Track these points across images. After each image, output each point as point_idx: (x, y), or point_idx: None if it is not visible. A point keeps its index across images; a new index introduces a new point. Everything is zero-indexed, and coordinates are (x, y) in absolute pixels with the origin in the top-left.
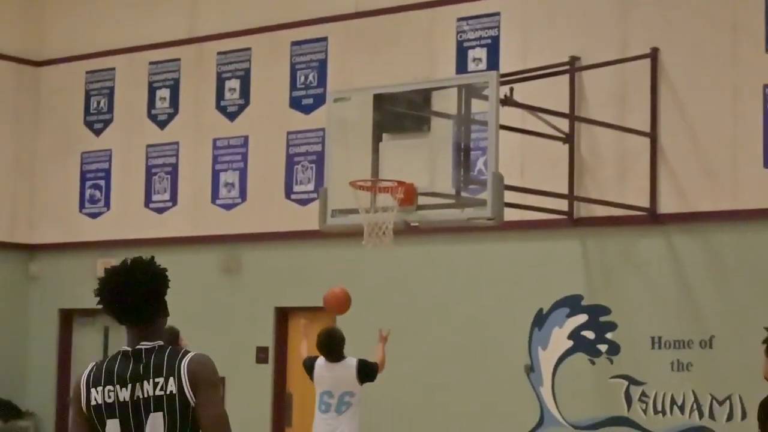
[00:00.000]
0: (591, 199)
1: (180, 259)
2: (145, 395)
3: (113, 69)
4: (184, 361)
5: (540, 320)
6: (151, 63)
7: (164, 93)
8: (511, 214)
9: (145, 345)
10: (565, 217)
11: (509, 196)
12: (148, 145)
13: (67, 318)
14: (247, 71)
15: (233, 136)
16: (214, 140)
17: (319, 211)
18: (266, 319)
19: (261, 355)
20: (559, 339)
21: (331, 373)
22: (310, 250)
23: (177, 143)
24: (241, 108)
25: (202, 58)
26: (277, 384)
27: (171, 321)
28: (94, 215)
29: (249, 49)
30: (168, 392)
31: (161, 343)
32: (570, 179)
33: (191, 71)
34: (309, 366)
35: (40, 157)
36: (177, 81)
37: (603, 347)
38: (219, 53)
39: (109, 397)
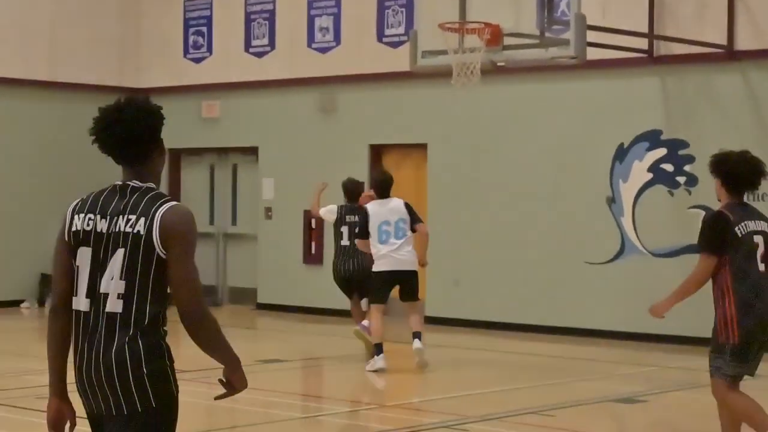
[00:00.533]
0: (670, 37)
1: (279, 100)
2: (117, 229)
3: None
4: (162, 207)
5: (621, 154)
6: None
7: None
8: (592, 53)
9: (135, 183)
10: (645, 55)
11: (591, 36)
12: None
13: (176, 158)
14: None
15: None
16: None
17: (410, 53)
18: (361, 155)
19: None
20: (639, 172)
21: (386, 207)
22: (401, 90)
23: None
24: None
25: None
26: None
27: (273, 159)
28: (197, 60)
29: None
30: (135, 231)
31: (152, 185)
32: (650, 18)
33: None
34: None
35: (145, 3)
36: None
37: (681, 179)
38: None
39: (88, 225)
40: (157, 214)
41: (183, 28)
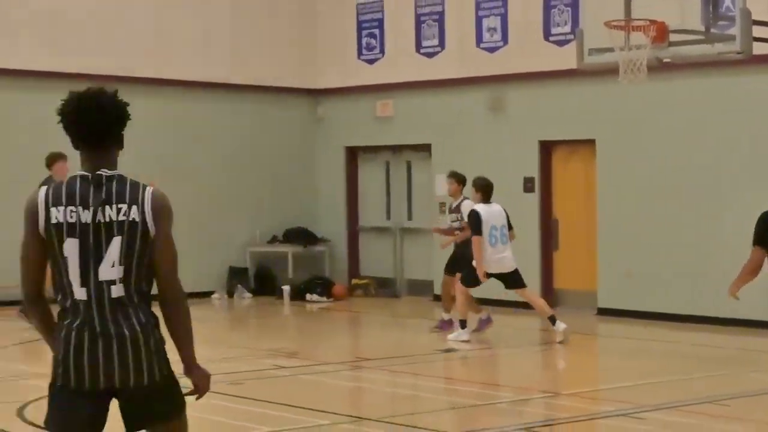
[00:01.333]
0: None
1: (449, 99)
2: (107, 219)
3: None
4: (146, 192)
5: None
6: None
7: None
8: (759, 48)
9: (105, 172)
10: None
11: (757, 31)
12: None
13: (352, 155)
14: None
15: None
16: None
17: (577, 51)
18: (531, 151)
19: (528, 184)
20: None
21: (491, 211)
22: (568, 87)
23: None
24: None
25: None
26: (544, 211)
27: (446, 156)
28: (370, 61)
29: None
30: (131, 219)
31: (120, 173)
32: None
33: None
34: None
35: (322, 7)
36: None
37: None
38: None
39: (71, 217)
40: (146, 200)
41: (356, 30)
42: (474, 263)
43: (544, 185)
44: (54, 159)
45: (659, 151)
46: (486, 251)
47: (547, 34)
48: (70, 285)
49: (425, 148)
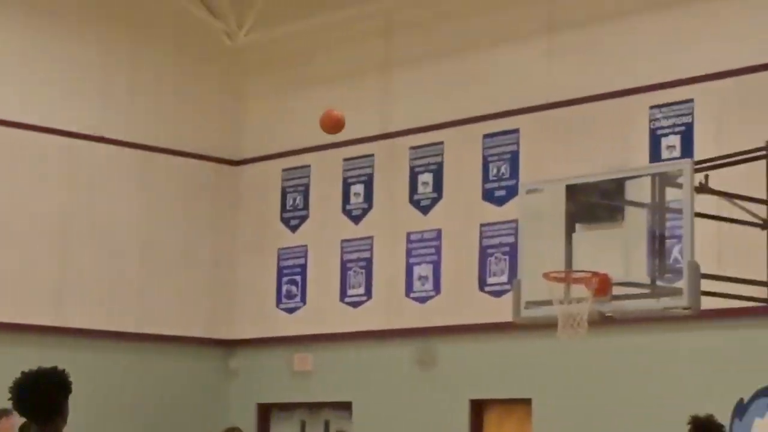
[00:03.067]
0: None
1: (374, 353)
2: None
3: (308, 166)
4: None
5: (740, 411)
6: (345, 159)
7: (358, 188)
8: (708, 303)
9: None
10: (765, 304)
11: (706, 285)
12: (343, 240)
13: (265, 412)
14: (440, 165)
15: (427, 230)
16: (408, 234)
17: (513, 303)
18: (461, 411)
19: None
20: (762, 430)
21: None
22: (504, 341)
23: (371, 237)
24: (434, 201)
25: (395, 153)
26: None
27: (368, 415)
28: (290, 310)
29: (441, 143)
30: None
31: None
32: None
33: (385, 166)
34: None
35: (239, 253)
36: (371, 176)
37: None
38: (411, 148)
39: None
40: None
41: (276, 276)
42: None
43: None
44: None
45: (602, 412)
46: None
47: (482, 284)
48: None
49: (346, 407)
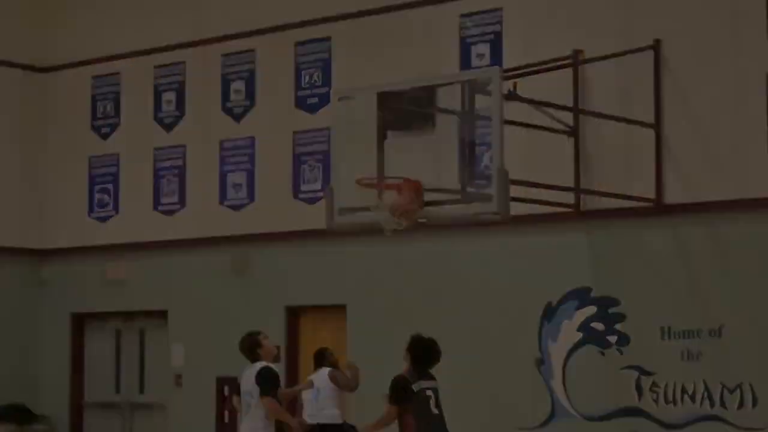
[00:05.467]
0: (597, 191)
1: (190, 260)
2: None
3: (119, 73)
4: None
5: (549, 313)
6: (156, 66)
7: (170, 96)
8: (517, 208)
9: None
10: (571, 209)
11: (515, 191)
12: (156, 148)
13: (79, 322)
14: (252, 72)
15: (240, 137)
16: (221, 141)
17: (326, 210)
18: (277, 318)
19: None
20: (568, 331)
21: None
22: (318, 248)
23: (184, 146)
24: (247, 109)
25: (207, 60)
26: (290, 382)
27: (183, 323)
28: (103, 219)
29: (253, 50)
30: None
31: None
32: (576, 172)
33: (196, 74)
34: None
35: (48, 162)
36: (182, 84)
37: (613, 338)
38: (223, 55)
39: None
40: None
41: (88, 185)
42: None
43: (290, 354)
44: None
45: (414, 316)
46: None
47: (296, 191)
48: None
49: (161, 315)
